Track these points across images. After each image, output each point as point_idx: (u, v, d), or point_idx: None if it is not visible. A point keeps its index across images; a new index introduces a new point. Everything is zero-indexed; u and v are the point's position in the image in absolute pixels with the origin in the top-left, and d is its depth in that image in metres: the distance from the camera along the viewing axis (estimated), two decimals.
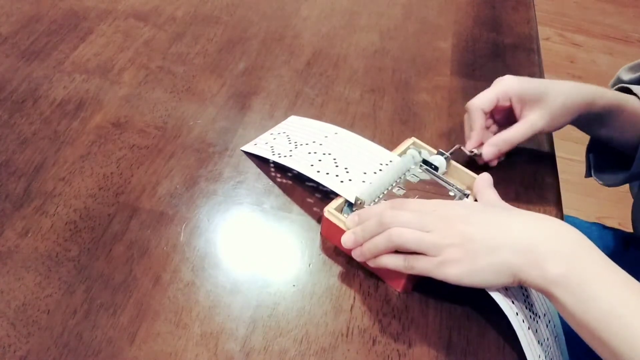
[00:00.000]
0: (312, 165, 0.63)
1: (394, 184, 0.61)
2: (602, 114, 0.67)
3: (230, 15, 0.87)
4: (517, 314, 0.51)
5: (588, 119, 0.67)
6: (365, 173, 0.62)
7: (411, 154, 0.64)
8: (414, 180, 0.62)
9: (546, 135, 0.77)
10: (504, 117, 0.70)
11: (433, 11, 0.96)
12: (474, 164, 0.69)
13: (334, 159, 0.63)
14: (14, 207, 0.58)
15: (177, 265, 0.56)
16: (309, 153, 0.64)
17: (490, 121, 0.70)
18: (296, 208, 0.62)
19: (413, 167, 0.63)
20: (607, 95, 0.66)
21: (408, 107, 0.77)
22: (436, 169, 0.63)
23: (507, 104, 0.67)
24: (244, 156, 0.67)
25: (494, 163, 0.69)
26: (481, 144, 0.67)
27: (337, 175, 0.61)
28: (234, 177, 0.64)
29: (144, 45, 0.79)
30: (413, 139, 0.66)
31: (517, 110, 0.66)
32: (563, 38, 2.29)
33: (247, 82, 0.77)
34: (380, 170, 0.62)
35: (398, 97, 0.78)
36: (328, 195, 0.62)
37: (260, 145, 0.67)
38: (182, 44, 0.81)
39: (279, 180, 0.65)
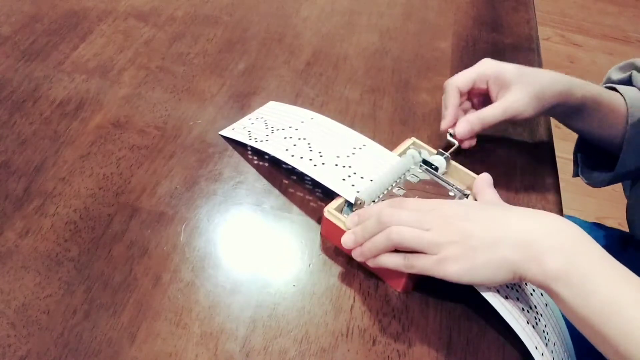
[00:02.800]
0: (287, 149, 0.64)
1: (393, 184, 0.61)
2: (579, 106, 0.67)
3: (230, 15, 0.87)
4: (497, 290, 0.51)
5: (565, 110, 0.67)
6: (338, 157, 0.63)
7: (411, 154, 0.64)
8: (414, 180, 0.62)
9: (546, 136, 0.77)
10: (481, 102, 0.70)
11: (433, 11, 0.96)
12: (474, 164, 0.68)
13: (309, 144, 0.65)
14: (14, 207, 0.58)
15: (177, 265, 0.56)
16: (285, 138, 0.65)
17: (468, 104, 0.71)
18: (296, 208, 0.62)
19: (413, 167, 0.63)
20: (585, 87, 0.66)
21: (408, 107, 0.77)
22: (436, 169, 0.63)
23: (483, 86, 0.67)
24: (244, 156, 0.67)
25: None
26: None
27: (310, 159, 0.62)
28: (234, 177, 0.64)
29: (144, 45, 0.79)
30: (413, 139, 0.66)
31: (493, 93, 0.67)
32: (563, 38, 2.29)
33: (247, 82, 0.77)
34: (353, 153, 0.64)
35: (398, 97, 0.78)
36: (328, 195, 0.62)
37: (238, 130, 0.68)
38: (182, 44, 0.81)
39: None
